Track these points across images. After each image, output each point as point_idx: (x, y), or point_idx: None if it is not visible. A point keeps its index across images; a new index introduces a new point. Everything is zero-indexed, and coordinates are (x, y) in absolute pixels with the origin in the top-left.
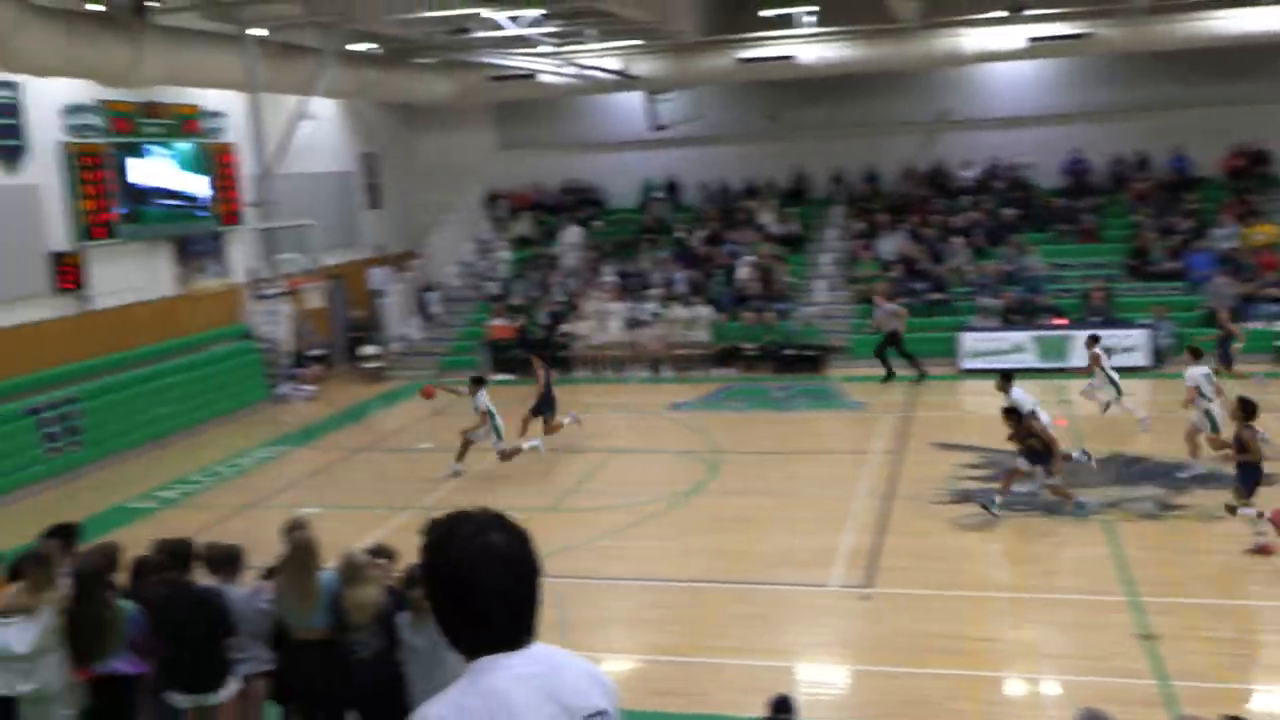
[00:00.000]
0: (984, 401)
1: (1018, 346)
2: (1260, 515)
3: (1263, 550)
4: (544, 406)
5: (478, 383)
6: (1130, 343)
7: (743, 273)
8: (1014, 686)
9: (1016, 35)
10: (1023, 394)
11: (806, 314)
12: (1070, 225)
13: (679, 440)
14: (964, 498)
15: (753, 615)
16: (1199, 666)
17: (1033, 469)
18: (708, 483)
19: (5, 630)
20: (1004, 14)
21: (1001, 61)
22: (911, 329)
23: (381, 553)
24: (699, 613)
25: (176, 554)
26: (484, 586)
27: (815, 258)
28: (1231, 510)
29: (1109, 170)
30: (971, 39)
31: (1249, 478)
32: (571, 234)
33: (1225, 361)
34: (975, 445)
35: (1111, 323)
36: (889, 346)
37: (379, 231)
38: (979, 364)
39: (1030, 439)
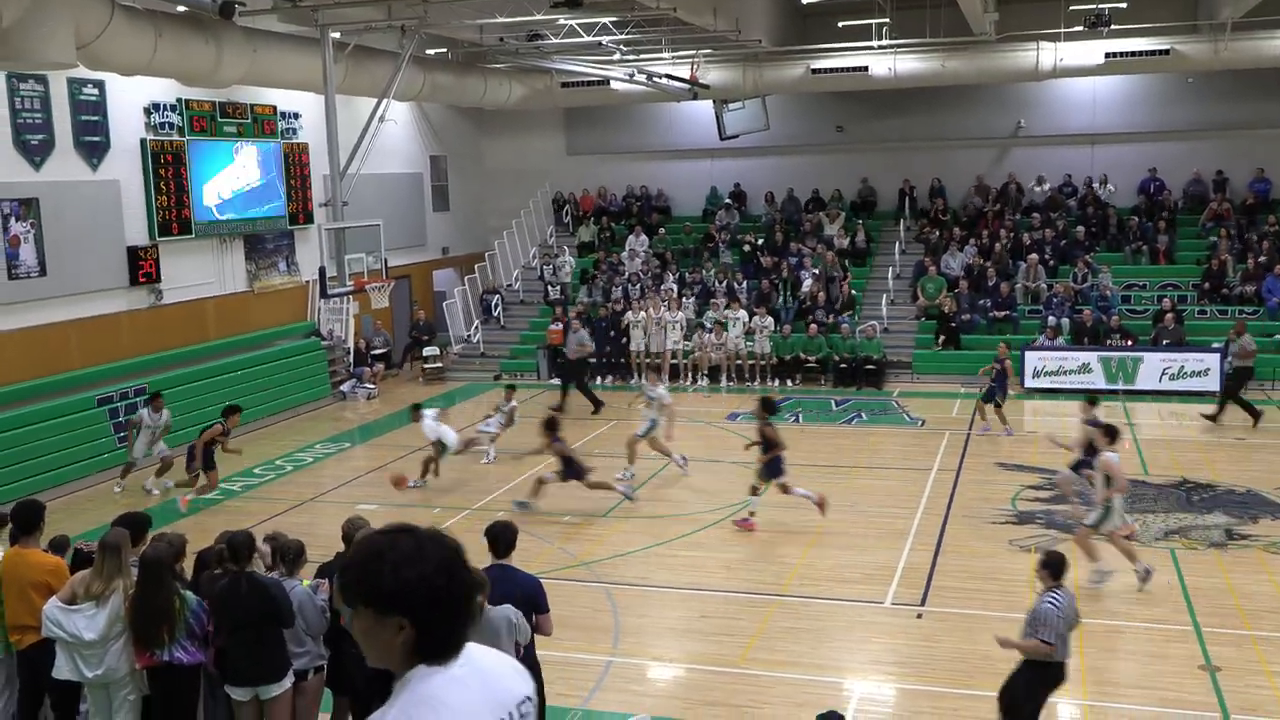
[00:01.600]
0: (1048, 422)
1: (1084, 366)
2: None
3: None
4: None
5: (416, 409)
6: (1202, 366)
7: (806, 284)
8: (1068, 712)
9: (1095, 50)
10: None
11: (868, 328)
12: (1144, 245)
13: (737, 451)
14: (1024, 519)
15: (805, 629)
16: (1262, 700)
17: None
18: (764, 495)
19: (74, 617)
20: (1083, 28)
21: (1078, 77)
22: (974, 346)
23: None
24: (751, 625)
25: (238, 547)
26: (430, 598)
27: (880, 271)
28: None
29: (1186, 190)
30: (1049, 53)
31: None
32: (636, 241)
33: None
34: (1037, 466)
35: (1182, 345)
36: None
37: (445, 234)
38: (1044, 383)
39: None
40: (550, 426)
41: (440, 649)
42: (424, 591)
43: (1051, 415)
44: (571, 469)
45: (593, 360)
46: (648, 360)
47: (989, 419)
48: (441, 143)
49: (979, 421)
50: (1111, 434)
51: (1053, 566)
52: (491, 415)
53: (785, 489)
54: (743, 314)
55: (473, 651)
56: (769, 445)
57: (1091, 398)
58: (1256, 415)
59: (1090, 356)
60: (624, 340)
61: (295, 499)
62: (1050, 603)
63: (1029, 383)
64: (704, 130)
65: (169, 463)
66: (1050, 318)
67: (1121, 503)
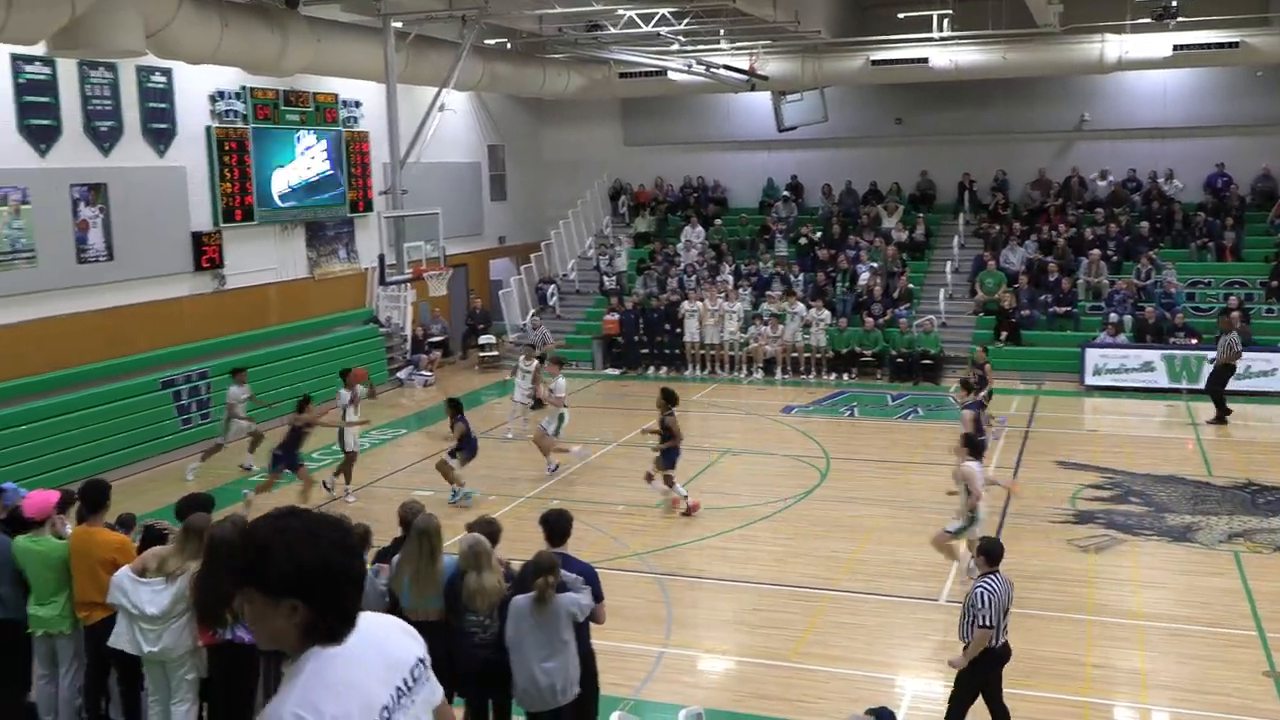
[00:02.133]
0: (1109, 420)
1: (1147, 365)
2: None
3: None
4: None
5: (454, 409)
6: (1269, 366)
7: (863, 277)
8: (1125, 716)
9: (1162, 43)
10: None
11: (926, 322)
12: (1210, 241)
13: (790, 444)
14: (1083, 519)
15: (858, 625)
16: None
17: None
18: (817, 488)
19: (140, 589)
20: (1150, 20)
21: (1145, 70)
22: (1035, 342)
23: (485, 526)
24: (803, 619)
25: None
26: (328, 579)
27: (938, 265)
28: None
29: (1255, 186)
30: (1114, 45)
31: None
32: (692, 232)
33: None
34: (1098, 465)
35: (1249, 345)
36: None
37: (502, 223)
38: (1105, 381)
39: None
40: (454, 407)
41: (336, 629)
42: (321, 573)
43: (1112, 414)
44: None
45: (645, 350)
46: (545, 351)
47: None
48: (500, 132)
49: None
50: (972, 446)
51: (989, 553)
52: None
53: (669, 482)
54: (799, 307)
55: (369, 619)
56: (668, 435)
57: (965, 381)
58: (1225, 413)
59: (1153, 355)
60: (678, 331)
61: (352, 484)
62: (983, 587)
63: (1089, 380)
64: (762, 122)
65: (259, 436)
66: (1112, 314)
67: (984, 512)
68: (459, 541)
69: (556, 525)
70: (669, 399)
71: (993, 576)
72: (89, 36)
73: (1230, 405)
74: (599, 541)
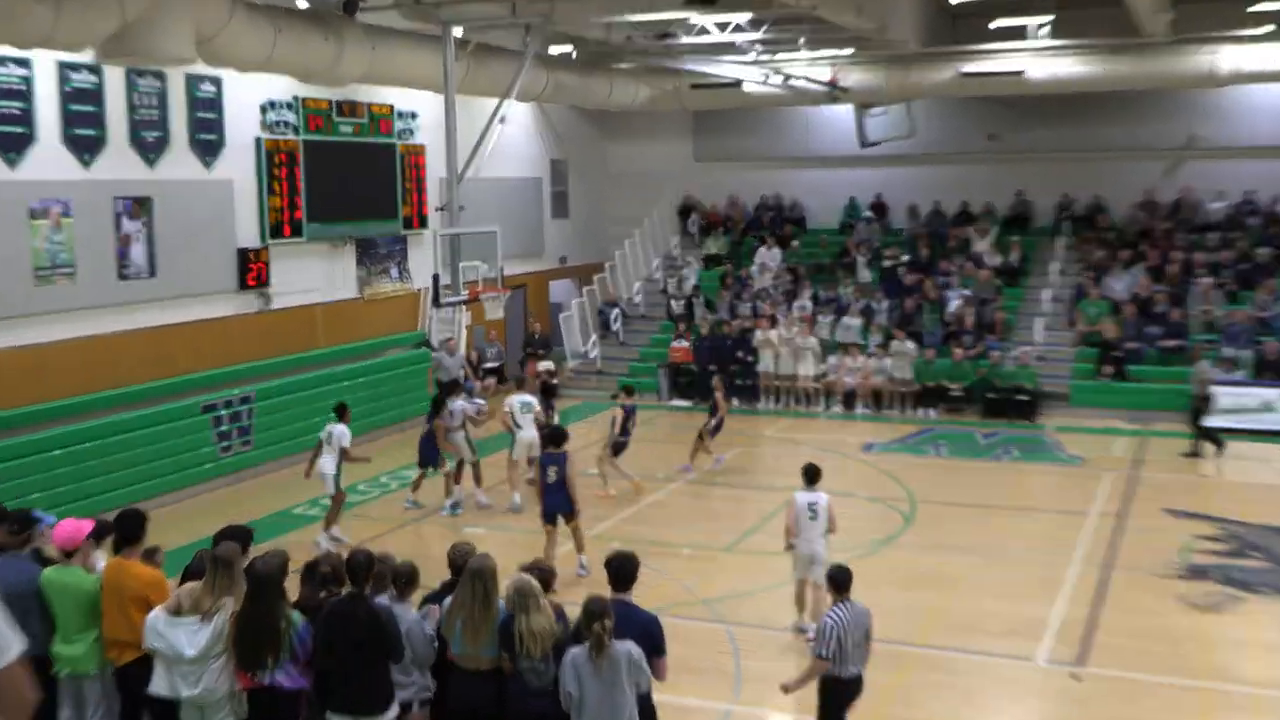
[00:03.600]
0: (1224, 465)
1: (1267, 405)
2: None
3: None
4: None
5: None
6: None
7: (953, 305)
8: None
9: None
10: None
11: (1022, 354)
12: None
13: (871, 485)
14: (1196, 573)
15: (946, 684)
16: None
17: None
18: (901, 534)
19: (176, 630)
20: (1269, 29)
21: (1263, 83)
22: (1143, 378)
23: (536, 569)
24: (888, 676)
25: (357, 568)
26: None
27: (1035, 293)
28: None
29: None
30: (1228, 56)
31: None
32: (767, 254)
33: None
34: (1214, 515)
35: None
36: None
37: (563, 242)
38: (1220, 422)
39: None
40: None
41: None
42: None
43: (1228, 458)
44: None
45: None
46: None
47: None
48: (562, 146)
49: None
50: (808, 474)
51: (836, 580)
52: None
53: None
54: (881, 336)
55: None
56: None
57: (628, 387)
58: (1215, 444)
59: (1273, 394)
60: (751, 359)
61: (398, 519)
62: (829, 616)
63: (1204, 421)
64: (843, 137)
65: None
66: (1227, 349)
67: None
68: (508, 583)
69: (621, 569)
70: (628, 392)
71: (841, 605)
72: (139, 43)
73: None
74: (663, 586)
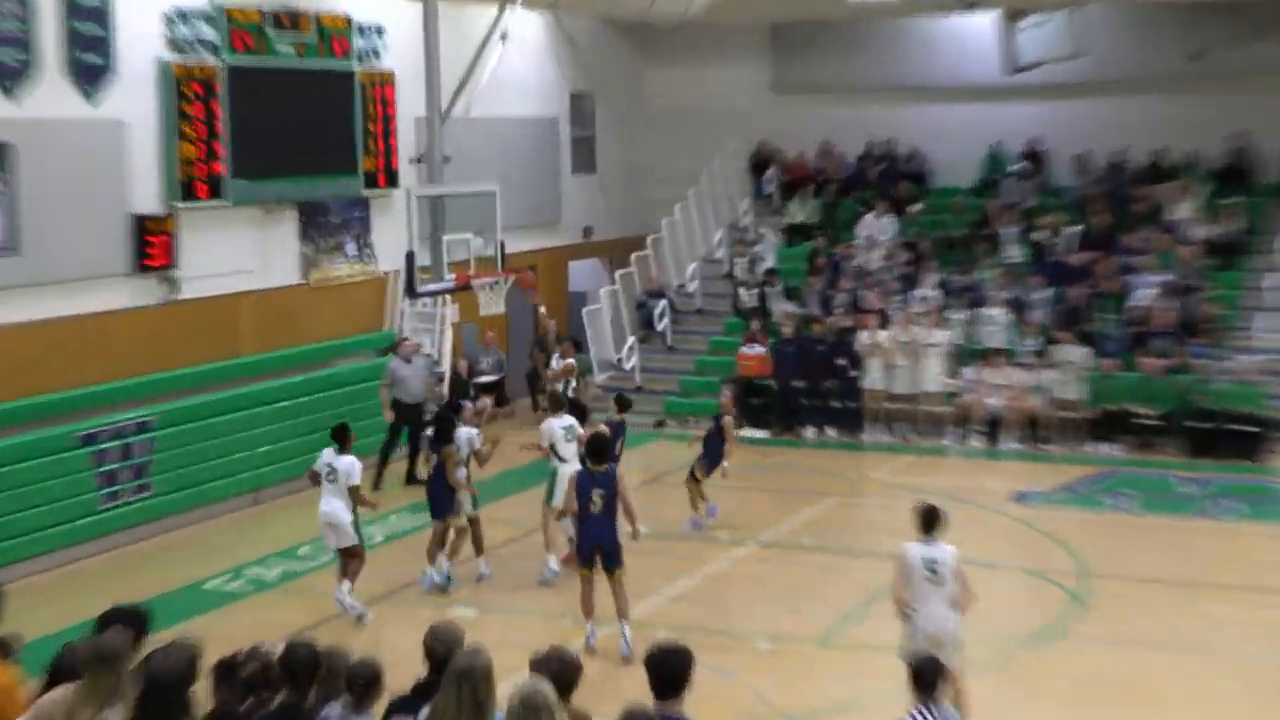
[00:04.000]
0: None
1: None
2: None
3: None
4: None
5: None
6: None
7: (1142, 296)
8: None
9: None
10: None
11: (1242, 366)
12: None
13: (1025, 550)
14: None
15: None
16: None
17: None
18: (1069, 623)
19: None
20: None
21: None
22: None
23: (556, 664)
24: None
25: (299, 665)
26: None
27: (1258, 277)
28: None
29: None
30: None
31: None
32: (875, 224)
33: None
34: None
35: None
36: None
37: (589, 207)
38: None
39: None
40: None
41: None
42: None
43: None
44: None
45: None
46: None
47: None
48: (588, 74)
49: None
50: (926, 519)
51: (919, 674)
52: None
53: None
54: (1038, 339)
55: None
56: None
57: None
58: None
59: None
60: (853, 372)
61: (355, 594)
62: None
63: None
64: (982, 60)
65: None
66: None
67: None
68: (512, 689)
69: (667, 670)
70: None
71: (927, 710)
72: None
73: None
74: (728, 693)
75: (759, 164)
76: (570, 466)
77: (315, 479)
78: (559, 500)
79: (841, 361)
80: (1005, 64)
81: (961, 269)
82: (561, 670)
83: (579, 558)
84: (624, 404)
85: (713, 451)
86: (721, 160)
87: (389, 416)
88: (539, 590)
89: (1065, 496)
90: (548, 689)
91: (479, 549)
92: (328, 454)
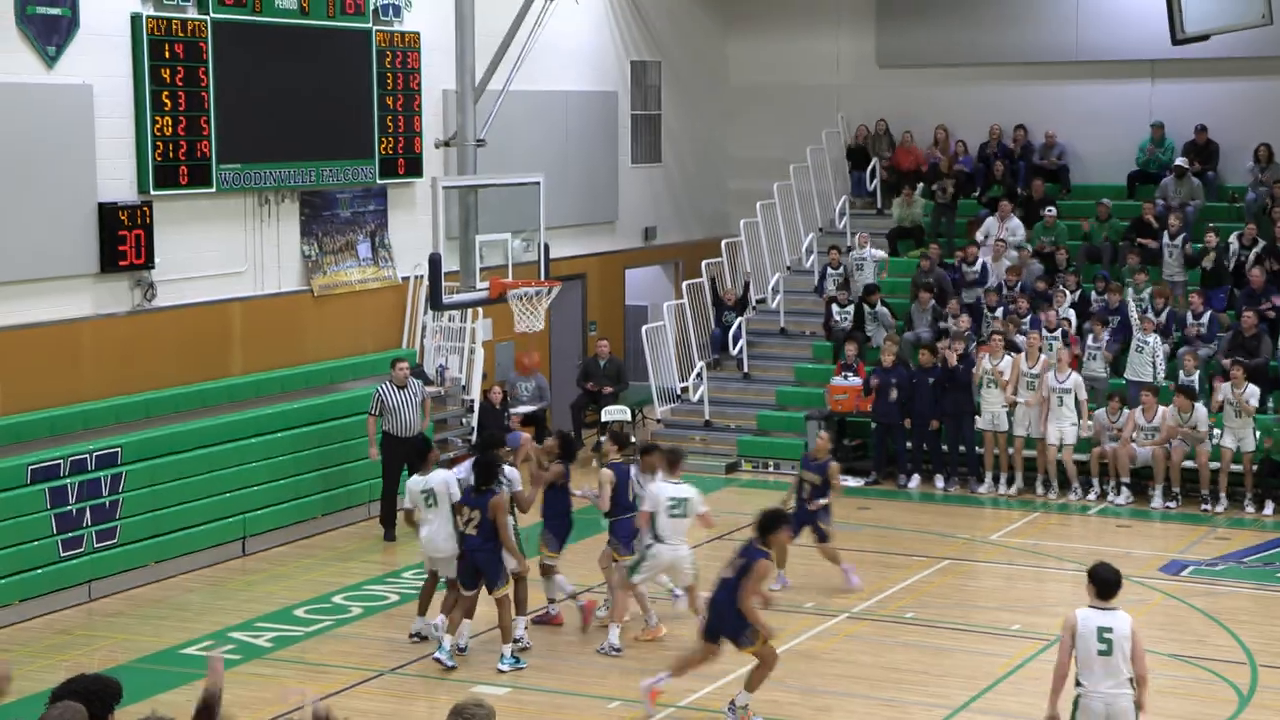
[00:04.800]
0: None
1: None
2: None
3: None
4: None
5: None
6: None
7: None
8: None
9: None
10: None
11: None
12: None
13: (1180, 631)
14: None
15: None
16: None
17: None
18: None
19: None
20: None
21: None
22: None
23: None
24: None
25: None
26: None
27: None
28: None
29: None
30: None
31: None
32: (1000, 227)
33: None
34: None
35: None
36: None
37: (651, 204)
38: None
39: None
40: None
41: None
42: None
43: None
44: None
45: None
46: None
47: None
48: (654, 40)
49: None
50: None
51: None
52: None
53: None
54: (1200, 374)
55: None
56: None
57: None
58: None
59: None
60: (971, 405)
61: (366, 664)
62: None
63: None
64: (1138, 27)
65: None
66: None
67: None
68: None
69: None
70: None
71: None
72: None
73: None
74: None
75: (859, 155)
76: (670, 550)
77: (410, 517)
78: (639, 578)
79: (955, 397)
80: (1171, 34)
81: (1108, 287)
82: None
83: (457, 574)
84: (621, 438)
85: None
86: (814, 150)
87: (374, 455)
88: (584, 665)
89: (1230, 568)
90: None
91: (521, 609)
92: (415, 481)
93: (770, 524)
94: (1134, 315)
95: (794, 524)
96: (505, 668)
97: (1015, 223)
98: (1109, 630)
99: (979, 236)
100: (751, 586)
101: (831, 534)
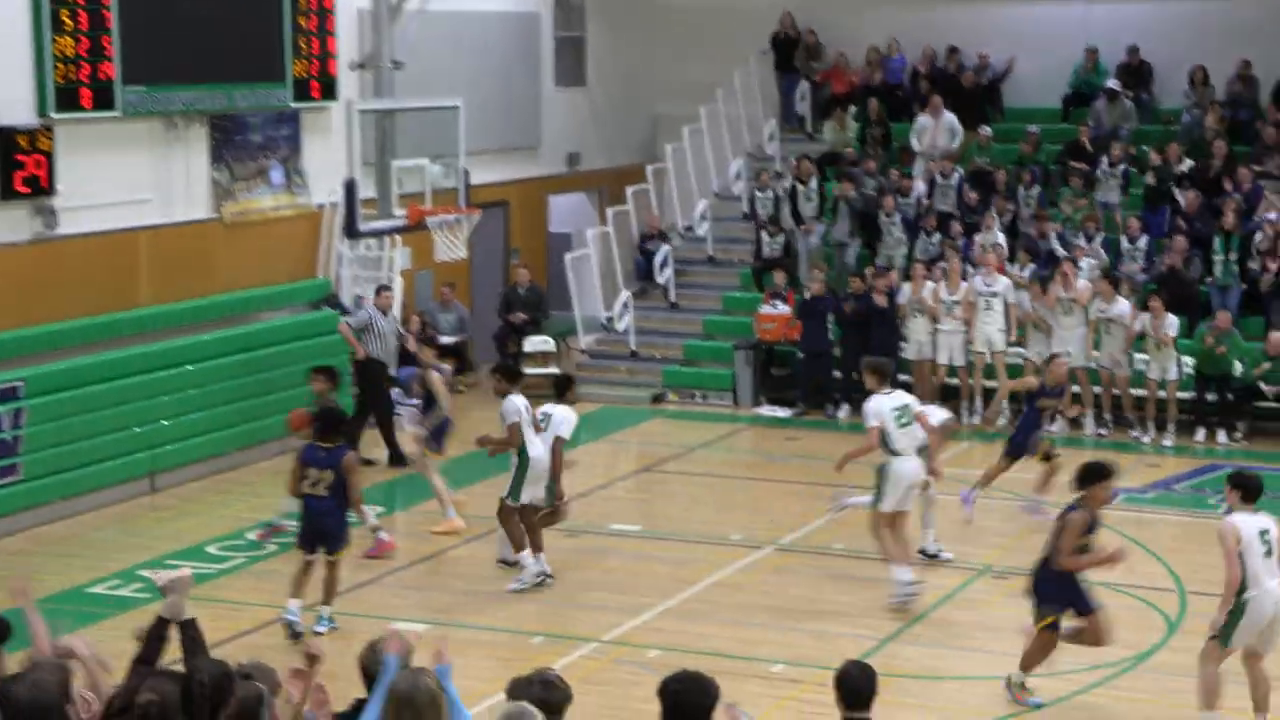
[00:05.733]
0: None
1: None
2: None
3: None
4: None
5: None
6: None
7: (1265, 239)
8: None
9: None
10: None
11: None
12: None
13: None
14: None
15: None
16: None
17: None
18: (1162, 647)
19: None
20: None
21: None
22: None
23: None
24: None
25: (199, 695)
26: None
27: None
28: None
29: None
30: None
31: None
32: (937, 125)
33: None
34: None
35: None
36: None
37: (576, 129)
38: None
39: None
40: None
41: None
42: None
43: None
44: None
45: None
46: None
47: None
48: None
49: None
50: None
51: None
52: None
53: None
54: (1125, 304)
55: None
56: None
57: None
58: None
59: None
60: (897, 339)
61: (282, 602)
62: None
63: None
64: None
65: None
66: None
67: None
68: (493, 712)
69: (690, 703)
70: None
71: None
72: None
73: None
74: None
75: (784, 51)
76: (906, 462)
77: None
78: (890, 503)
79: (882, 334)
80: None
81: (1037, 213)
82: (547, 697)
83: (300, 540)
84: (511, 375)
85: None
86: (743, 72)
87: (361, 352)
88: (494, 605)
89: (1159, 495)
90: (533, 713)
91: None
92: (545, 409)
93: (331, 425)
94: (1059, 249)
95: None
96: (322, 629)
97: (949, 118)
98: (1266, 532)
99: (913, 141)
100: (1064, 545)
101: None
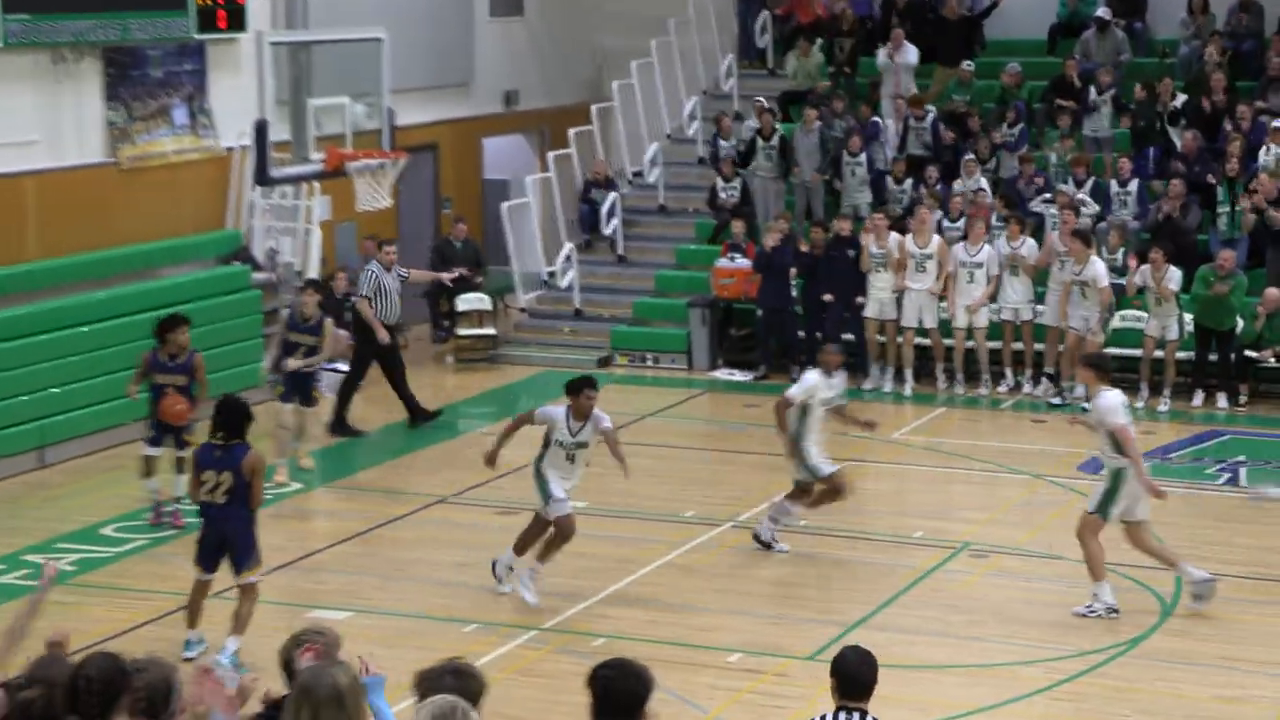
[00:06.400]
0: None
1: None
2: None
3: None
4: None
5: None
6: None
7: (1267, 180)
8: None
9: None
10: None
11: None
12: None
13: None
14: None
15: None
16: None
17: None
18: (1152, 633)
19: None
20: None
21: None
22: None
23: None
24: None
25: (86, 691)
26: None
27: None
28: None
29: None
30: None
31: None
32: (895, 62)
33: None
34: None
35: None
36: None
37: (512, 65)
38: None
39: None
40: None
41: None
42: None
43: None
44: None
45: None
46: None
47: None
48: None
49: None
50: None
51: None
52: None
53: None
54: (1100, 266)
55: None
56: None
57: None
58: None
59: None
60: (861, 298)
61: (185, 589)
62: None
63: None
64: None
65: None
66: None
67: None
68: (418, 711)
69: (621, 694)
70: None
71: None
72: None
73: None
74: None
75: (750, 5)
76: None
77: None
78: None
79: (843, 281)
80: None
81: (1020, 155)
82: (463, 687)
83: (198, 555)
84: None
85: None
86: (698, 0)
87: (384, 336)
88: (416, 589)
89: (1155, 466)
90: (463, 708)
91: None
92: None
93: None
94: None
95: None
96: (225, 660)
97: (909, 50)
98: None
99: (880, 71)
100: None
101: None
